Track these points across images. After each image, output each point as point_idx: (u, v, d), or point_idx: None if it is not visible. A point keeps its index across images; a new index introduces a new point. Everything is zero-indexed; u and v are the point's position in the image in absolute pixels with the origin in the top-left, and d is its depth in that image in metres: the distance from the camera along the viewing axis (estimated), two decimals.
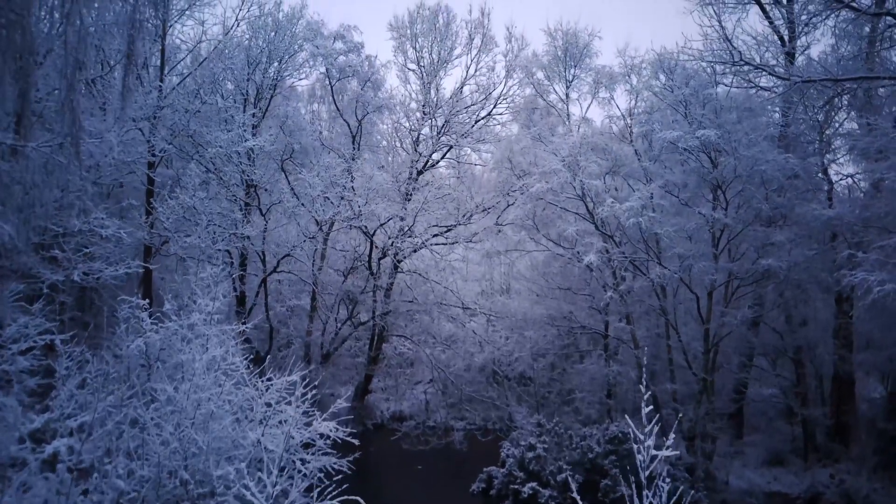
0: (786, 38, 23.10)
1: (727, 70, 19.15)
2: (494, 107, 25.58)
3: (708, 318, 19.30)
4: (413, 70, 25.80)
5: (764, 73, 19.16)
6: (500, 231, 24.22)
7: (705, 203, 18.68)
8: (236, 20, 25.43)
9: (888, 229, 16.44)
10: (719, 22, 18.26)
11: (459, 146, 24.70)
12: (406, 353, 29.82)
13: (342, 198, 22.25)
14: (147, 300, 22.78)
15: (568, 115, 23.94)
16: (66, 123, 10.30)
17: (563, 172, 19.14)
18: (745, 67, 19.59)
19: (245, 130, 21.85)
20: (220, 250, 21.32)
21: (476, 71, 25.50)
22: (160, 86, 21.83)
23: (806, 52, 23.22)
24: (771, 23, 22.85)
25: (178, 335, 17.83)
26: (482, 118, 25.85)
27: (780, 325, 22.36)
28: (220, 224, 21.42)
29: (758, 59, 23.02)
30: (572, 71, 24.39)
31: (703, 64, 18.87)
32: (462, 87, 25.86)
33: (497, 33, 25.97)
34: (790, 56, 21.68)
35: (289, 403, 14.69)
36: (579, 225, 19.93)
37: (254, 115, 23.51)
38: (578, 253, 19.64)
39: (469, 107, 25.34)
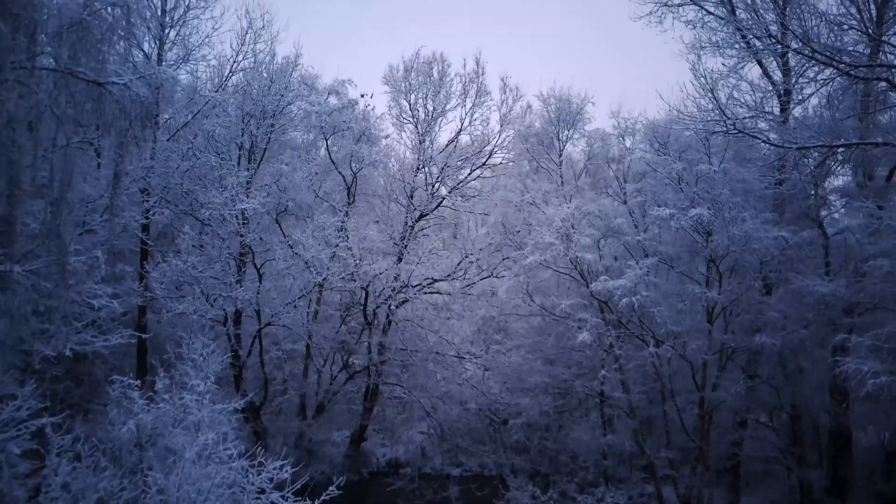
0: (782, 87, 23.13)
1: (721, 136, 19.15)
2: (489, 158, 25.54)
3: (703, 386, 19.29)
4: (408, 122, 25.79)
5: (757, 138, 19.16)
6: (493, 294, 24.20)
7: (699, 275, 18.66)
8: (231, 71, 25.43)
9: (884, 307, 16.43)
10: (712, 92, 18.21)
11: (453, 199, 24.66)
12: (402, 396, 29.77)
13: (334, 255, 22.22)
14: (141, 370, 22.88)
15: (562, 180, 23.91)
16: (52, 249, 10.27)
17: (557, 245, 19.13)
18: (740, 134, 19.64)
19: (238, 193, 21.81)
20: (213, 317, 21.29)
21: (470, 123, 25.48)
22: (153, 147, 21.82)
23: (805, 102, 23.28)
24: (771, 82, 22.84)
25: (170, 415, 17.79)
26: (477, 167, 25.81)
27: (777, 380, 22.34)
28: (214, 287, 21.38)
29: (752, 110, 23.25)
30: (566, 132, 24.40)
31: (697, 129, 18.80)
32: (456, 139, 25.82)
33: (491, 82, 26.27)
34: (785, 116, 21.70)
35: (280, 488, 14.71)
36: (573, 298, 19.92)
37: (248, 170, 23.47)
38: (576, 325, 19.61)
39: (463, 159, 25.30)
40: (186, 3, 24.65)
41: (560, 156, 24.30)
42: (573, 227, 19.40)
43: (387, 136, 28.75)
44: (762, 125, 23.26)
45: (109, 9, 10.77)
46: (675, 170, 18.33)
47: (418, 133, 25.56)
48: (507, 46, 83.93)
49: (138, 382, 17.42)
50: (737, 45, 20.74)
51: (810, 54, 18.63)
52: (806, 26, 18.49)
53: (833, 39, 18.46)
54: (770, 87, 23.38)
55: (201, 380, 17.50)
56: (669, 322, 17.90)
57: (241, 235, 22.08)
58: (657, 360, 18.70)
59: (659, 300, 18.23)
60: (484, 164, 25.98)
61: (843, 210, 23.51)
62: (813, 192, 22.41)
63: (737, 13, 23.61)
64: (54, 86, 10.65)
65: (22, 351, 17.45)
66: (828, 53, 18.11)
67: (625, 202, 20.60)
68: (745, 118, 21.09)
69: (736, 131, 18.76)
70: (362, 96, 32.26)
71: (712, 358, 19.20)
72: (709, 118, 18.47)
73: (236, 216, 21.74)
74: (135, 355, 22.91)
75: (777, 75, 23.51)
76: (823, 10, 20.93)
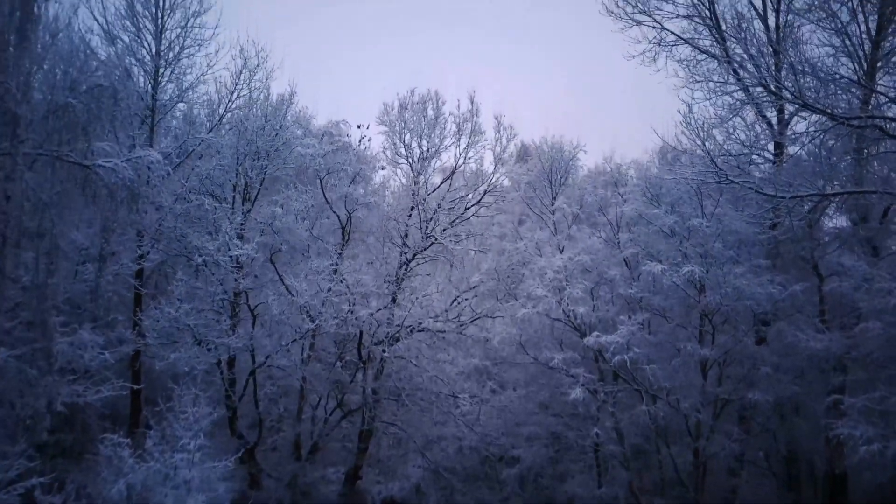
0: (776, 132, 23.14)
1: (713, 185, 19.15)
2: (483, 197, 25.51)
3: (697, 437, 19.23)
4: (402, 162, 25.80)
5: (751, 189, 19.14)
6: (487, 341, 24.17)
7: (693, 327, 18.63)
8: (225, 109, 25.38)
9: (879, 364, 16.40)
10: (704, 144, 18.20)
11: (446, 239, 24.63)
12: (397, 432, 29.65)
13: (325, 301, 22.19)
14: (133, 420, 22.77)
15: (554, 228, 23.90)
16: (38, 334, 10.23)
17: (549, 297, 19.12)
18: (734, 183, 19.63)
19: (232, 238, 21.79)
20: (206, 365, 21.25)
21: (464, 162, 25.49)
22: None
23: (800, 147, 23.27)
24: (767, 122, 22.84)
25: (161, 474, 17.72)
26: (470, 206, 25.78)
27: (772, 426, 22.26)
28: (208, 334, 21.35)
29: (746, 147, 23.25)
30: (558, 180, 24.40)
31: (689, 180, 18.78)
32: (451, 178, 25.81)
33: (485, 121, 26.44)
34: (779, 161, 21.70)
35: None
36: (567, 350, 19.89)
37: (242, 211, 23.45)
38: (570, 378, 19.57)
39: (456, 199, 25.31)
40: (181, 43, 24.74)
41: (553, 203, 24.31)
42: (566, 280, 19.38)
43: (383, 168, 28.81)
44: (757, 166, 23.33)
45: (97, 91, 10.76)
46: (667, 224, 18.31)
47: (413, 172, 25.56)
48: (499, 86, 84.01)
49: (128, 441, 17.36)
50: (731, 91, 20.75)
51: (803, 105, 18.67)
52: (799, 80, 18.54)
53: (825, 94, 18.52)
54: (765, 127, 23.42)
55: (191, 437, 17.46)
56: (663, 379, 17.86)
57: (236, 281, 22.05)
58: (651, 415, 18.65)
59: (652, 356, 18.21)
60: (479, 202, 25.98)
61: (837, 252, 23.48)
62: (808, 235, 22.39)
63: (730, 53, 23.75)
64: (41, 170, 10.62)
65: (10, 405, 17.44)
66: (820, 106, 18.13)
67: (618, 245, 20.58)
68: (737, 165, 21.15)
69: (729, 181, 18.76)
70: (358, 127, 32.21)
71: (706, 409, 19.14)
72: (701, 169, 18.45)
73: (230, 261, 21.72)
74: (128, 401, 22.83)
75: (772, 113, 23.56)
76: (815, 56, 21.28)
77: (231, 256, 21.60)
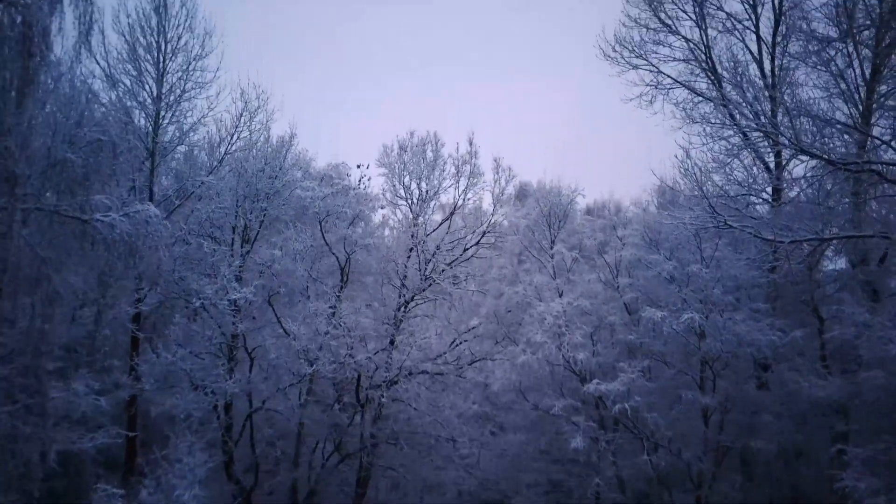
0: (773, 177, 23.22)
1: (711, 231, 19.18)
2: (482, 238, 25.50)
3: (699, 484, 18.96)
4: (401, 203, 25.86)
5: (749, 234, 19.16)
6: (487, 387, 23.98)
7: (694, 372, 18.48)
8: (225, 151, 25.49)
9: (882, 412, 16.22)
10: (702, 189, 18.24)
11: (445, 280, 24.56)
12: (395, 476, 29.24)
13: (322, 346, 22.04)
14: (129, 465, 22.46)
15: (553, 273, 23.85)
16: (32, 381, 10.13)
17: (549, 344, 19.02)
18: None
19: (230, 281, 21.73)
20: (202, 412, 21.04)
21: (463, 203, 25.53)
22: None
23: (798, 191, 23.32)
24: (765, 165, 22.95)
25: None
26: (469, 247, 25.75)
27: (775, 472, 21.95)
28: (204, 379, 21.18)
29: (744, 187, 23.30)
30: (558, 223, 24.44)
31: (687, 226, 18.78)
32: (450, 219, 25.83)
33: (484, 160, 26.62)
34: (777, 205, 21.75)
35: None
36: (567, 397, 19.72)
37: (241, 254, 23.42)
38: (571, 425, 19.35)
39: (455, 240, 25.30)
40: (183, 87, 24.94)
41: (552, 246, 24.29)
42: (566, 325, 19.29)
43: (382, 207, 28.85)
44: (755, 207, 23.37)
45: (96, 145, 10.80)
46: (666, 270, 18.28)
47: (412, 213, 25.57)
48: (498, 124, 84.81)
49: (122, 491, 17.08)
50: (728, 136, 20.89)
51: (800, 150, 18.77)
52: (795, 124, 18.68)
53: (821, 138, 18.65)
54: (763, 170, 23.52)
55: (186, 487, 17.20)
56: (664, 426, 17.67)
57: (234, 325, 21.93)
58: (652, 464, 18.41)
59: (653, 403, 18.04)
60: (478, 242, 25.95)
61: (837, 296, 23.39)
62: (807, 278, 22.34)
63: (726, 96, 23.93)
64: (38, 224, 10.62)
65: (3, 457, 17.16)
66: (817, 152, 18.24)
67: (618, 289, 20.50)
68: (735, 207, 21.18)
69: (727, 226, 18.78)
70: (358, 167, 32.39)
71: (708, 457, 18.89)
72: (699, 214, 18.47)
73: (229, 306, 21.63)
74: (124, 446, 22.54)
75: (769, 157, 23.67)
76: (811, 97, 21.47)
77: (229, 300, 21.52)
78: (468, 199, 26.03)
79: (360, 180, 28.92)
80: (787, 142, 18.87)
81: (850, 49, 19.66)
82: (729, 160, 20.84)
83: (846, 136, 20.35)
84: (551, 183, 25.43)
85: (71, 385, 18.44)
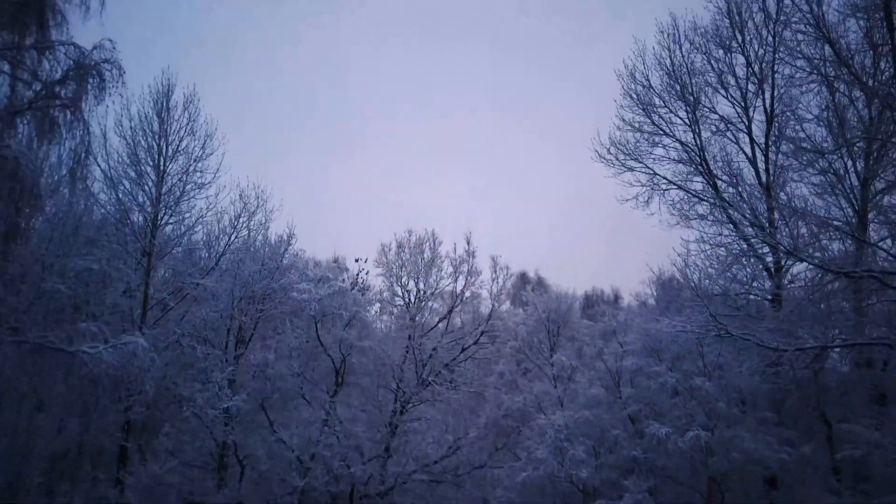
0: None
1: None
2: (479, 337, 25.17)
3: None
4: (398, 304, 25.63)
5: (751, 342, 18.84)
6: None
7: (700, 490, 17.79)
8: (224, 250, 25.34)
9: None
10: (702, 299, 18.01)
11: (442, 382, 24.07)
12: None
13: (314, 456, 21.35)
14: None
15: (554, 381, 23.46)
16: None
17: (550, 460, 18.42)
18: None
19: (223, 388, 21.25)
20: None
21: (461, 303, 25.30)
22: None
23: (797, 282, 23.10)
24: (766, 269, 22.77)
25: None
26: (468, 347, 25.38)
27: None
28: (193, 491, 20.44)
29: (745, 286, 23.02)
30: (556, 329, 24.21)
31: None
32: (447, 319, 25.57)
33: (481, 256, 26.74)
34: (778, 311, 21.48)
35: None
36: None
37: (235, 357, 23.03)
38: None
39: (453, 341, 24.97)
40: (182, 188, 25.07)
41: (551, 353, 23.95)
42: (567, 440, 18.72)
43: (380, 300, 28.60)
44: (756, 302, 23.07)
45: (86, 274, 10.63)
46: (669, 383, 17.87)
47: (409, 315, 25.27)
48: (495, 215, 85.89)
49: None
50: (726, 244, 20.81)
51: (799, 259, 18.67)
52: (793, 231, 18.66)
53: (818, 242, 18.58)
54: (762, 271, 23.35)
55: None
56: None
57: (226, 434, 21.32)
58: None
59: None
60: (476, 342, 25.59)
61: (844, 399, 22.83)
62: (812, 382, 21.84)
63: (720, 193, 24.02)
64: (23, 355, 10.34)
65: None
66: (815, 262, 18.12)
67: (619, 398, 19.98)
68: (737, 307, 20.93)
69: (729, 335, 18.47)
70: (356, 261, 32.34)
71: None
72: (701, 322, 18.19)
73: (221, 414, 21.05)
74: None
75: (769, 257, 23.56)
76: (806, 198, 21.54)
77: (221, 409, 20.96)
78: (466, 297, 25.94)
79: (356, 280, 28.95)
80: (785, 249, 18.79)
81: (845, 157, 19.88)
82: (728, 263, 20.64)
83: (844, 241, 20.29)
84: (549, 277, 25.21)
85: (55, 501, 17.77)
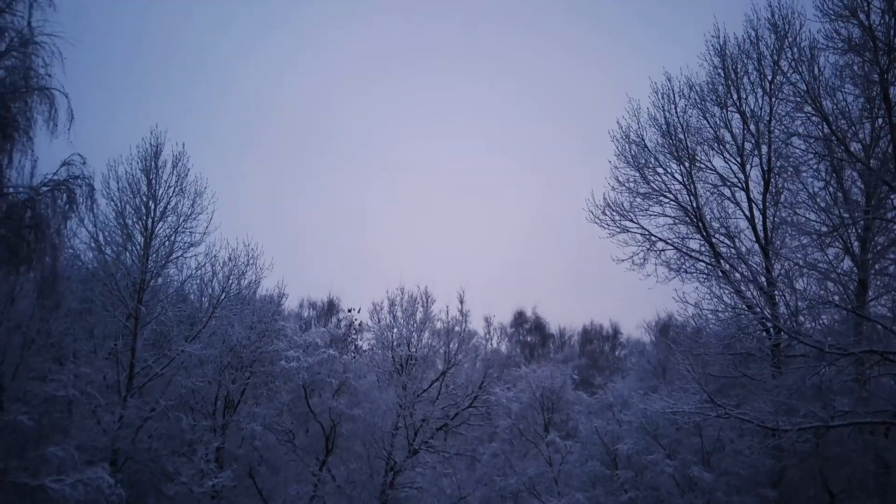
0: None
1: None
2: (472, 403, 24.63)
3: None
4: (390, 370, 25.07)
5: (752, 423, 18.37)
6: None
7: None
8: (209, 317, 24.66)
9: None
10: (700, 383, 17.53)
11: (432, 456, 23.52)
12: None
13: None
14: None
15: (549, 461, 22.84)
16: None
17: None
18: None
19: (210, 463, 20.65)
20: None
21: (453, 367, 24.77)
22: (122, 414, 20.74)
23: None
24: (767, 331, 22.29)
25: None
26: (461, 410, 24.83)
27: None
28: None
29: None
30: (551, 405, 23.69)
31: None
32: (441, 381, 25.03)
33: (474, 316, 26.36)
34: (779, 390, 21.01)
35: None
36: None
37: (221, 426, 22.45)
38: None
39: (445, 406, 24.43)
40: (170, 247, 24.49)
41: (546, 433, 23.37)
42: None
43: (370, 349, 28.03)
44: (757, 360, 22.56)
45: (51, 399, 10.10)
46: (667, 471, 17.33)
47: (401, 382, 24.64)
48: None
49: None
50: (726, 319, 20.34)
51: (799, 341, 18.27)
52: (794, 316, 18.28)
53: (818, 325, 18.18)
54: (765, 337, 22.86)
55: None
56: None
57: None
58: None
59: None
60: (470, 405, 25.03)
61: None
62: (814, 454, 21.31)
63: (717, 249, 23.60)
64: None
65: None
66: (816, 344, 17.69)
67: (619, 485, 19.36)
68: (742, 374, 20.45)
69: (727, 416, 18.01)
70: (349, 311, 31.91)
71: None
72: (699, 404, 17.70)
73: (208, 490, 20.43)
74: None
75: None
76: (806, 274, 21.11)
77: (208, 487, 20.35)
78: (459, 359, 25.40)
79: (348, 331, 28.39)
80: (785, 330, 18.42)
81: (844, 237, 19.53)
82: (727, 341, 20.13)
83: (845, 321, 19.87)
84: (546, 315, 24.64)
85: None
